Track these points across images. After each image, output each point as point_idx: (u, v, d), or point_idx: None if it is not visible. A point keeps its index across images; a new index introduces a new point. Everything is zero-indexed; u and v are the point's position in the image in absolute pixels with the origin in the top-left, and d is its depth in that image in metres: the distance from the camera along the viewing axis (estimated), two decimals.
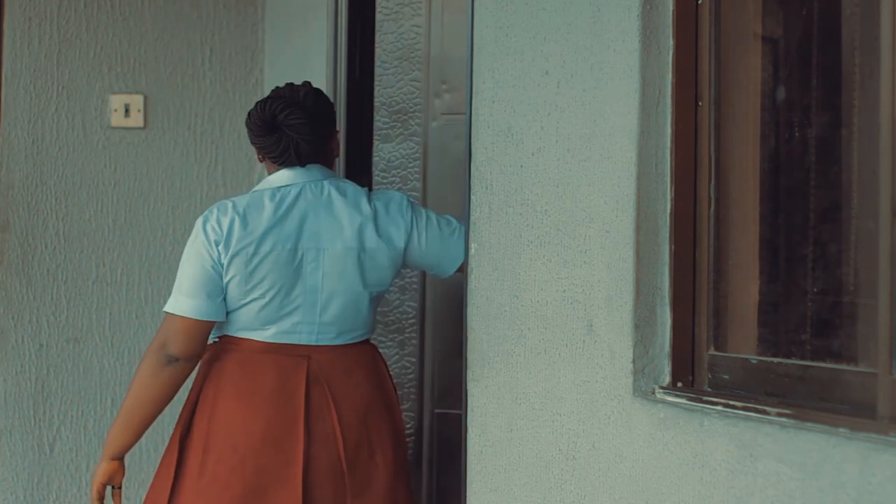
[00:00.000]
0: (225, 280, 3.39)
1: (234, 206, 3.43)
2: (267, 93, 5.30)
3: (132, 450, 5.15)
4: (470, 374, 3.46)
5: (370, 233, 3.41)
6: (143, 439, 5.20)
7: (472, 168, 3.47)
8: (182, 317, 3.41)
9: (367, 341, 3.56)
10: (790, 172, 2.69)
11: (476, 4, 3.49)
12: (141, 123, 5.20)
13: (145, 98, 5.19)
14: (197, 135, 5.21)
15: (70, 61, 5.14)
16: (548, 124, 3.11)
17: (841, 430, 2.24)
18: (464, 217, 3.58)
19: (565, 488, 3.01)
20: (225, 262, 3.39)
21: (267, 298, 3.40)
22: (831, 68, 2.58)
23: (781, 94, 2.73)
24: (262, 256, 3.39)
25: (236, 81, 5.28)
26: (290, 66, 5.13)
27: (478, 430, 3.40)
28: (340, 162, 4.64)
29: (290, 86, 3.57)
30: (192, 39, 5.26)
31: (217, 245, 3.38)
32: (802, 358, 2.58)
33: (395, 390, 3.64)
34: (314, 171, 3.50)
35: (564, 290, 3.03)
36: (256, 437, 3.38)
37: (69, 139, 5.13)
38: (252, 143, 3.57)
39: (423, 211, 3.58)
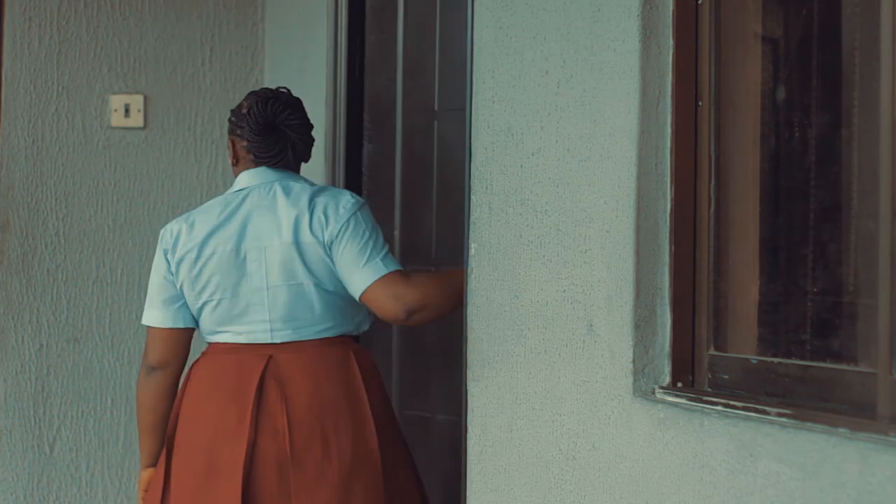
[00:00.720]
0: (177, 286, 3.47)
1: (188, 215, 3.53)
2: None
3: (134, 449, 5.16)
4: (470, 374, 3.46)
5: (304, 227, 3.42)
6: None
7: (472, 168, 3.47)
8: (148, 326, 3.55)
9: (341, 338, 3.52)
10: (790, 172, 2.69)
11: (476, 4, 3.49)
12: (141, 123, 5.20)
13: (145, 98, 5.19)
14: (197, 135, 5.21)
15: (70, 61, 5.14)
16: (548, 124, 3.11)
17: (841, 430, 2.24)
18: (464, 217, 3.58)
19: (565, 488, 3.01)
20: (174, 268, 3.46)
21: (215, 301, 3.44)
22: (831, 68, 2.58)
23: (781, 94, 2.73)
24: (204, 260, 3.44)
25: (236, 81, 5.28)
26: (290, 66, 5.13)
27: (478, 430, 3.41)
28: (341, 162, 4.64)
29: (265, 91, 3.60)
30: (192, 39, 5.26)
31: (167, 253, 3.50)
32: (802, 358, 2.58)
33: (377, 389, 3.59)
34: (268, 173, 3.51)
35: (564, 290, 3.03)
36: (210, 433, 3.44)
37: (69, 139, 5.13)
38: (244, 140, 3.54)
39: (361, 227, 3.48)
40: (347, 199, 3.49)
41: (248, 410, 3.40)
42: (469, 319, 3.47)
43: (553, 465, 3.05)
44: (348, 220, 3.43)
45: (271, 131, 3.51)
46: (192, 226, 3.49)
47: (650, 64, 2.80)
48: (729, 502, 2.48)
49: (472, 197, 3.46)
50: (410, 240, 4.26)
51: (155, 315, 3.53)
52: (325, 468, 3.40)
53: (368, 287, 3.42)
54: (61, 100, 5.13)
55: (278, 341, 3.43)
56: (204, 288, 3.45)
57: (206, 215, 3.49)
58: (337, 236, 3.43)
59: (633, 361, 2.80)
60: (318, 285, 3.43)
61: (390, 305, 3.43)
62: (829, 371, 2.45)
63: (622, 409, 2.82)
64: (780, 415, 2.38)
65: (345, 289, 3.48)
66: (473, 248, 3.44)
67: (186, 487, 3.48)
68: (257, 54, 5.32)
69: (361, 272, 3.43)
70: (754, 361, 2.64)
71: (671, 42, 2.80)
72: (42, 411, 5.09)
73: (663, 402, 2.71)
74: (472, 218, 3.46)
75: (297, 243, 3.40)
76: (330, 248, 3.43)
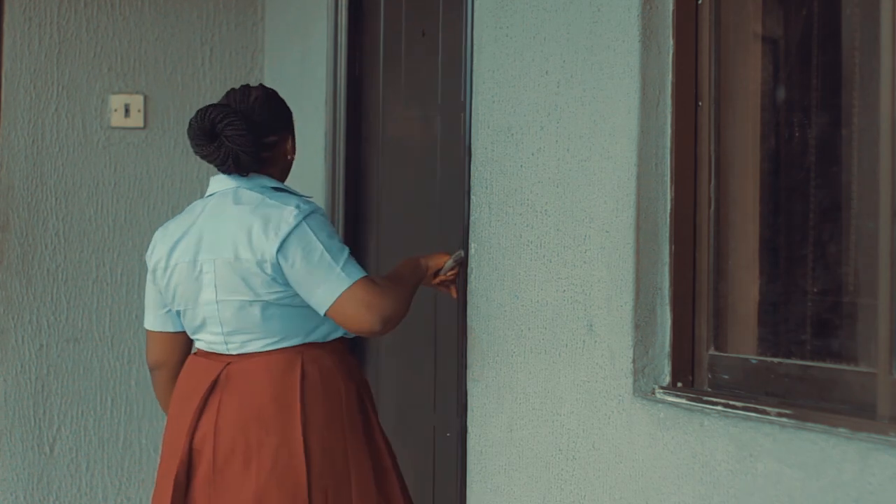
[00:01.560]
0: (160, 292, 3.47)
1: (171, 220, 3.49)
2: None
3: (134, 449, 5.16)
4: (470, 374, 3.46)
5: (243, 243, 3.28)
6: (143, 439, 5.21)
7: (472, 168, 3.47)
8: (146, 328, 3.57)
9: (295, 348, 3.41)
10: (790, 172, 2.69)
11: (476, 4, 3.49)
12: (141, 123, 5.20)
13: (145, 98, 5.19)
14: None
15: (70, 61, 5.14)
16: (548, 124, 3.11)
17: (841, 430, 2.24)
18: (463, 217, 3.58)
19: (565, 488, 3.01)
20: (151, 275, 3.47)
21: (181, 309, 3.42)
22: (831, 68, 2.58)
23: (781, 94, 2.73)
24: (170, 270, 3.41)
25: (236, 81, 5.28)
26: (290, 66, 5.13)
27: (478, 430, 3.40)
28: (341, 162, 4.64)
29: (243, 88, 3.44)
30: (192, 39, 5.26)
31: (148, 260, 3.48)
32: (802, 358, 2.58)
33: (327, 397, 3.37)
34: (229, 179, 3.39)
35: (564, 290, 3.03)
36: (167, 439, 3.44)
37: (69, 139, 5.13)
38: (193, 152, 3.45)
39: (310, 239, 3.28)
40: (290, 212, 3.28)
41: (190, 417, 3.36)
42: (469, 319, 3.47)
43: (553, 465, 3.05)
44: (289, 234, 3.24)
45: (210, 140, 3.37)
46: (165, 232, 3.44)
47: (650, 64, 2.80)
48: (729, 502, 2.48)
49: (472, 197, 3.46)
50: (410, 240, 4.26)
51: (148, 318, 3.53)
52: (243, 481, 3.30)
53: (335, 301, 3.24)
54: (61, 100, 5.13)
55: (234, 352, 3.38)
56: (173, 298, 3.42)
57: (179, 222, 3.42)
58: (280, 251, 3.26)
59: (633, 361, 2.80)
60: (257, 301, 3.31)
61: (363, 317, 3.26)
62: (829, 371, 2.45)
63: (622, 409, 2.82)
64: (780, 415, 2.38)
65: (291, 300, 3.33)
66: (473, 248, 3.44)
67: (156, 491, 3.48)
68: (257, 54, 5.32)
69: (323, 287, 3.25)
70: (754, 361, 2.64)
71: (671, 42, 2.80)
72: (42, 411, 5.09)
73: (663, 402, 2.71)
74: (472, 218, 3.46)
75: (237, 259, 3.29)
76: (276, 264, 3.26)
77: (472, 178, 3.47)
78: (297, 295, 3.30)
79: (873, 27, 2.35)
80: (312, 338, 3.35)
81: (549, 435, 3.07)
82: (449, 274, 3.51)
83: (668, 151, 2.80)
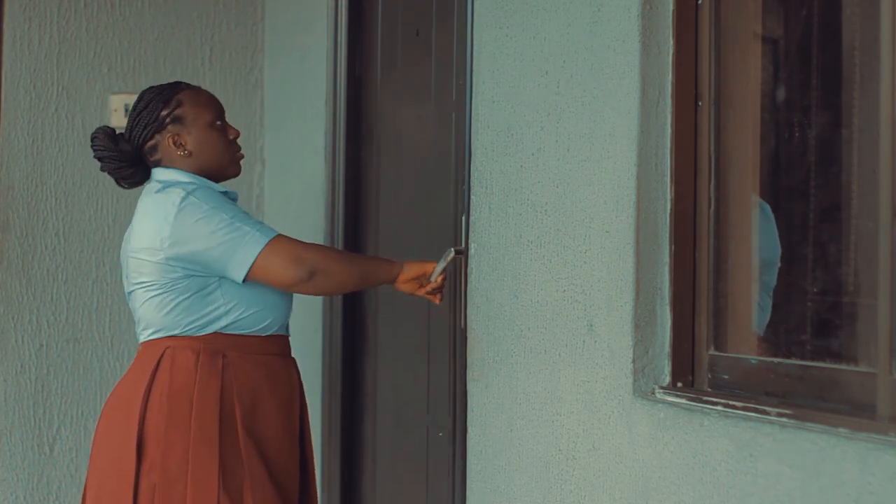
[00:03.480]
0: None
1: None
2: (267, 92, 5.31)
3: None
4: (470, 374, 3.47)
5: (139, 233, 3.38)
6: None
7: (472, 168, 3.47)
8: None
9: (163, 340, 3.39)
10: (790, 172, 2.69)
11: (476, 4, 3.49)
12: None
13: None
14: None
15: (70, 61, 5.14)
16: (548, 124, 3.11)
17: (841, 430, 2.24)
18: (459, 217, 3.58)
19: (565, 488, 3.01)
20: None
21: None
22: (831, 68, 2.58)
23: (781, 94, 2.73)
24: (123, 262, 3.51)
25: (236, 81, 5.28)
26: (290, 66, 5.13)
27: (478, 430, 3.41)
28: (341, 162, 4.64)
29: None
30: (192, 39, 5.26)
31: None
32: (802, 358, 2.58)
33: (165, 395, 3.33)
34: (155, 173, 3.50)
35: (564, 290, 3.03)
36: None
37: (69, 139, 5.13)
38: None
39: (206, 209, 3.29)
40: (176, 194, 3.34)
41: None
42: (469, 319, 3.47)
43: (553, 465, 3.05)
44: (177, 215, 3.30)
45: (102, 167, 3.54)
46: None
47: (650, 64, 2.80)
48: (729, 502, 2.48)
49: (472, 197, 3.46)
50: (409, 239, 4.26)
51: None
52: (95, 461, 3.42)
53: (256, 258, 3.26)
54: (61, 100, 5.13)
55: (140, 341, 3.47)
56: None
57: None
58: (171, 236, 3.30)
59: (633, 361, 2.80)
60: (150, 289, 3.35)
61: (289, 267, 3.27)
62: (829, 371, 2.45)
63: (622, 409, 2.82)
64: (780, 415, 2.38)
65: (182, 289, 3.34)
66: (473, 248, 3.44)
67: None
68: (257, 54, 5.32)
69: (241, 251, 3.27)
70: (754, 361, 2.64)
71: (671, 42, 2.80)
72: (42, 411, 5.09)
73: (663, 402, 2.71)
74: (472, 218, 3.46)
75: (137, 250, 3.38)
76: (169, 249, 3.30)
77: (472, 178, 3.47)
78: (189, 282, 3.33)
79: (873, 27, 2.35)
80: (184, 331, 3.36)
81: (549, 435, 3.07)
82: (438, 279, 3.49)
83: (668, 151, 2.80)
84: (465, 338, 3.52)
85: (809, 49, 2.65)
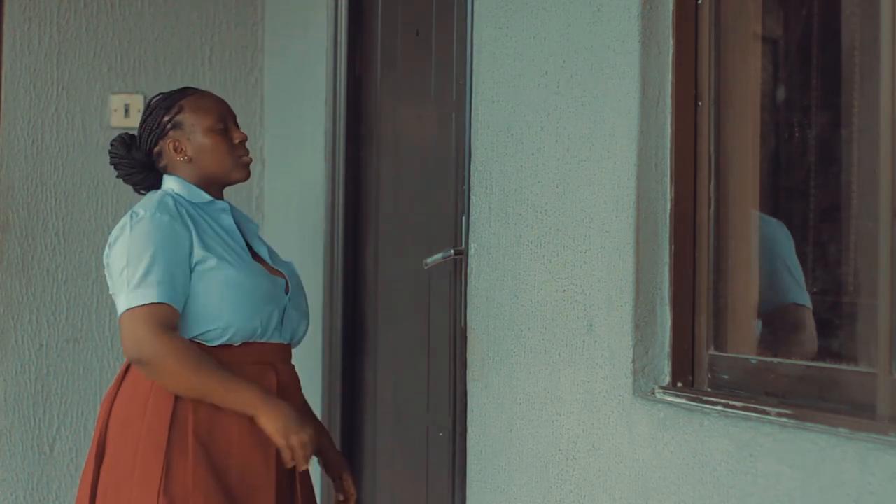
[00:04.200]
0: None
1: None
2: (267, 92, 5.31)
3: None
4: (470, 374, 3.47)
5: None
6: None
7: (472, 168, 3.47)
8: None
9: None
10: (790, 172, 2.69)
11: (476, 4, 3.49)
12: None
13: (145, 98, 5.19)
14: None
15: (70, 61, 5.14)
16: (548, 124, 3.11)
17: (841, 430, 2.24)
18: (463, 217, 3.59)
19: (565, 488, 3.01)
20: None
21: None
22: (831, 68, 2.58)
23: (781, 94, 2.73)
24: None
25: (236, 81, 5.28)
26: (290, 66, 5.13)
27: (478, 430, 3.41)
28: (341, 162, 4.64)
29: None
30: (192, 39, 5.27)
31: None
32: (802, 358, 2.58)
33: (126, 401, 3.32)
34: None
35: (564, 290, 3.03)
36: None
37: (69, 139, 5.13)
38: None
39: (123, 248, 3.28)
40: (125, 219, 3.34)
41: None
42: (469, 319, 3.47)
43: (553, 465, 3.05)
44: (116, 239, 3.32)
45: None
46: None
47: (650, 64, 2.80)
48: (729, 502, 2.48)
49: (472, 197, 3.46)
50: (409, 239, 4.26)
51: None
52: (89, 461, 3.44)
53: (119, 317, 3.28)
54: (61, 100, 5.13)
55: None
56: None
57: None
58: (107, 255, 3.36)
59: (633, 361, 2.80)
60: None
61: (127, 345, 3.24)
62: (829, 371, 2.45)
63: (622, 409, 2.82)
64: (780, 415, 2.38)
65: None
66: (473, 248, 3.44)
67: None
68: (257, 54, 5.32)
69: (119, 298, 3.30)
70: (754, 361, 2.64)
71: (671, 42, 2.80)
72: (42, 411, 5.09)
73: (663, 402, 2.71)
74: (472, 218, 3.46)
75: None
76: (106, 271, 3.38)
77: (472, 178, 3.47)
78: None
79: (873, 27, 2.35)
80: None
81: (548, 435, 3.07)
82: (306, 467, 3.32)
83: (667, 151, 2.80)
84: (465, 338, 3.52)
85: (809, 49, 2.65)
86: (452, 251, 3.52)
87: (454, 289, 3.77)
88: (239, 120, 5.16)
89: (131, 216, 3.33)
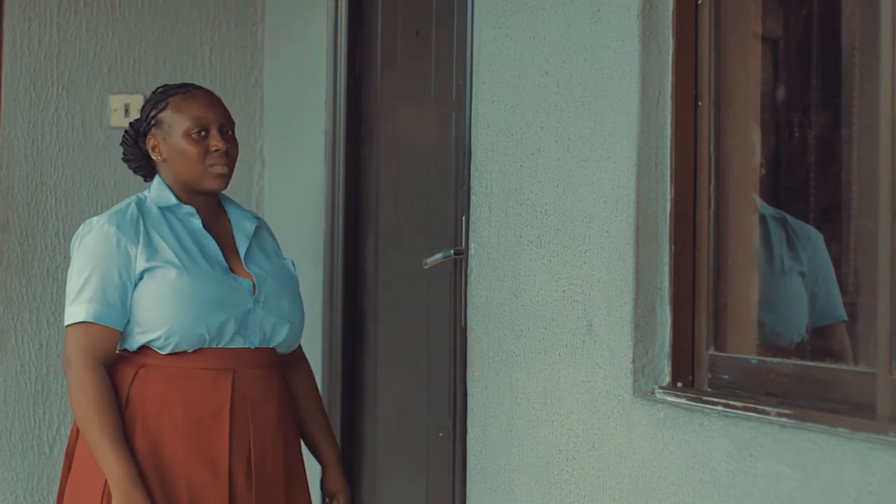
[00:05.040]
0: None
1: None
2: (267, 92, 5.31)
3: None
4: (470, 374, 3.47)
5: None
6: None
7: (472, 168, 3.47)
8: None
9: (120, 350, 3.36)
10: (790, 172, 2.69)
11: (476, 4, 3.49)
12: None
13: (145, 98, 5.19)
14: None
15: (70, 61, 5.14)
16: (548, 124, 3.11)
17: (841, 430, 2.24)
18: (463, 217, 3.58)
19: (565, 488, 3.01)
20: None
21: None
22: (831, 68, 2.58)
23: (781, 94, 2.73)
24: None
25: (236, 81, 5.28)
26: (290, 66, 5.13)
27: (478, 430, 3.41)
28: (341, 162, 4.64)
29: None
30: (192, 39, 5.26)
31: None
32: (802, 358, 2.58)
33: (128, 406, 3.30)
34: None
35: (564, 290, 3.03)
36: None
37: (69, 139, 5.13)
38: None
39: (73, 260, 3.30)
40: (81, 228, 3.33)
41: None
42: (469, 319, 3.47)
43: (553, 465, 3.05)
44: (73, 249, 3.31)
45: None
46: None
47: (650, 64, 2.80)
48: (729, 502, 2.48)
49: (472, 197, 3.46)
50: (409, 239, 4.26)
51: None
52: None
53: (66, 327, 3.32)
54: (61, 100, 5.13)
55: None
56: None
57: None
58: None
59: (633, 361, 2.80)
60: None
61: (64, 356, 3.30)
62: (829, 371, 2.45)
63: (622, 409, 2.82)
64: (780, 415, 2.38)
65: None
66: (473, 248, 3.44)
67: None
68: (257, 54, 5.32)
69: (67, 308, 3.33)
70: (754, 361, 2.64)
71: (671, 42, 2.80)
72: (42, 411, 5.09)
73: (663, 402, 2.71)
74: (472, 218, 3.46)
75: None
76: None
77: (472, 178, 3.47)
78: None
79: (873, 27, 2.35)
80: (122, 345, 3.31)
81: (548, 435, 3.07)
82: None
83: (667, 151, 2.80)
84: (465, 338, 3.52)
85: (809, 49, 2.66)
86: (452, 251, 3.52)
87: (454, 289, 3.77)
88: (239, 120, 5.17)
89: (86, 225, 3.31)
